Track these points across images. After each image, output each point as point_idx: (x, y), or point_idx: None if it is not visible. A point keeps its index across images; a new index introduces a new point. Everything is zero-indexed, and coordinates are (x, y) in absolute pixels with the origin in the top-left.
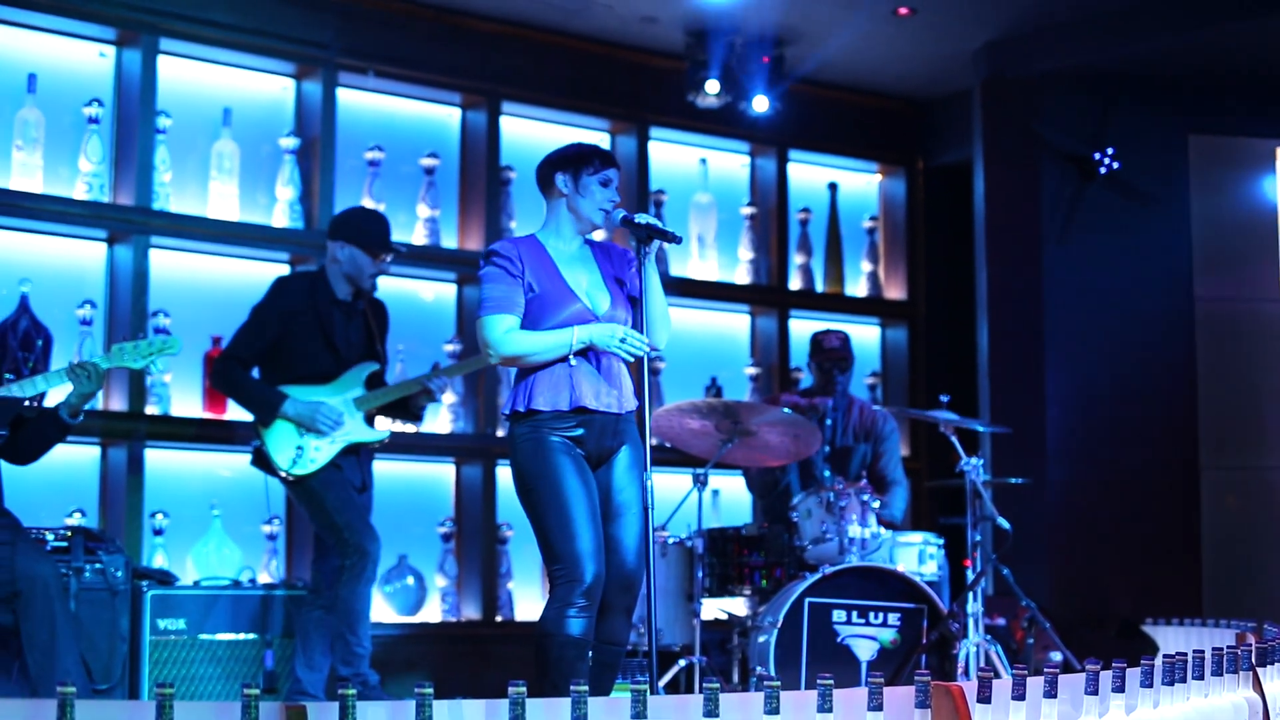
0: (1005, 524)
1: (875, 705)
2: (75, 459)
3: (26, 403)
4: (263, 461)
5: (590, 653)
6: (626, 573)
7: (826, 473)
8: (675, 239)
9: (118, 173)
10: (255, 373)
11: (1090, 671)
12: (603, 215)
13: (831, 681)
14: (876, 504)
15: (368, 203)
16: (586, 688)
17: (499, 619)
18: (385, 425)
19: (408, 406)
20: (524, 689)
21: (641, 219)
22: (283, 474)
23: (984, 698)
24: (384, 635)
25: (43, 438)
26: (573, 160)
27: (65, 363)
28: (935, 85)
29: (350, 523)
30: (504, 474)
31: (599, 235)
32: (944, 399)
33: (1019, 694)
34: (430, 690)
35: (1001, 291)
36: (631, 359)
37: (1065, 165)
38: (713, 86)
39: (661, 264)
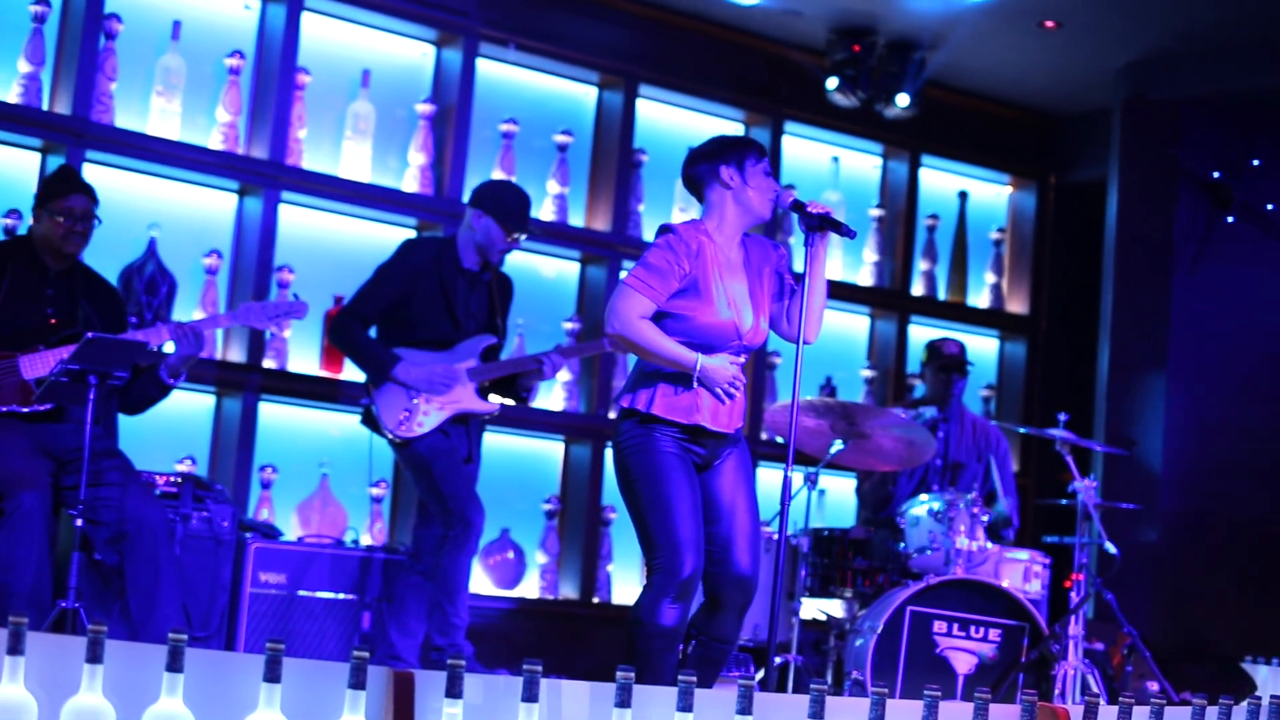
0: (1113, 548)
1: None
2: (189, 407)
3: (152, 348)
4: (371, 421)
5: (694, 645)
6: (740, 572)
7: (936, 485)
8: (850, 233)
9: (253, 126)
10: (373, 332)
11: (1196, 705)
12: (770, 205)
13: (939, 693)
14: (986, 517)
15: (498, 174)
16: (695, 677)
17: (595, 600)
18: (497, 399)
19: (517, 384)
20: (632, 675)
21: (814, 208)
22: (389, 435)
23: None
24: (480, 607)
25: (144, 394)
26: (737, 151)
27: (189, 311)
28: (1074, 101)
29: (456, 492)
30: (612, 456)
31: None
32: (1062, 418)
33: None
34: (539, 667)
35: (1126, 314)
36: (725, 402)
37: (1202, 193)
38: (831, 83)
39: (815, 262)
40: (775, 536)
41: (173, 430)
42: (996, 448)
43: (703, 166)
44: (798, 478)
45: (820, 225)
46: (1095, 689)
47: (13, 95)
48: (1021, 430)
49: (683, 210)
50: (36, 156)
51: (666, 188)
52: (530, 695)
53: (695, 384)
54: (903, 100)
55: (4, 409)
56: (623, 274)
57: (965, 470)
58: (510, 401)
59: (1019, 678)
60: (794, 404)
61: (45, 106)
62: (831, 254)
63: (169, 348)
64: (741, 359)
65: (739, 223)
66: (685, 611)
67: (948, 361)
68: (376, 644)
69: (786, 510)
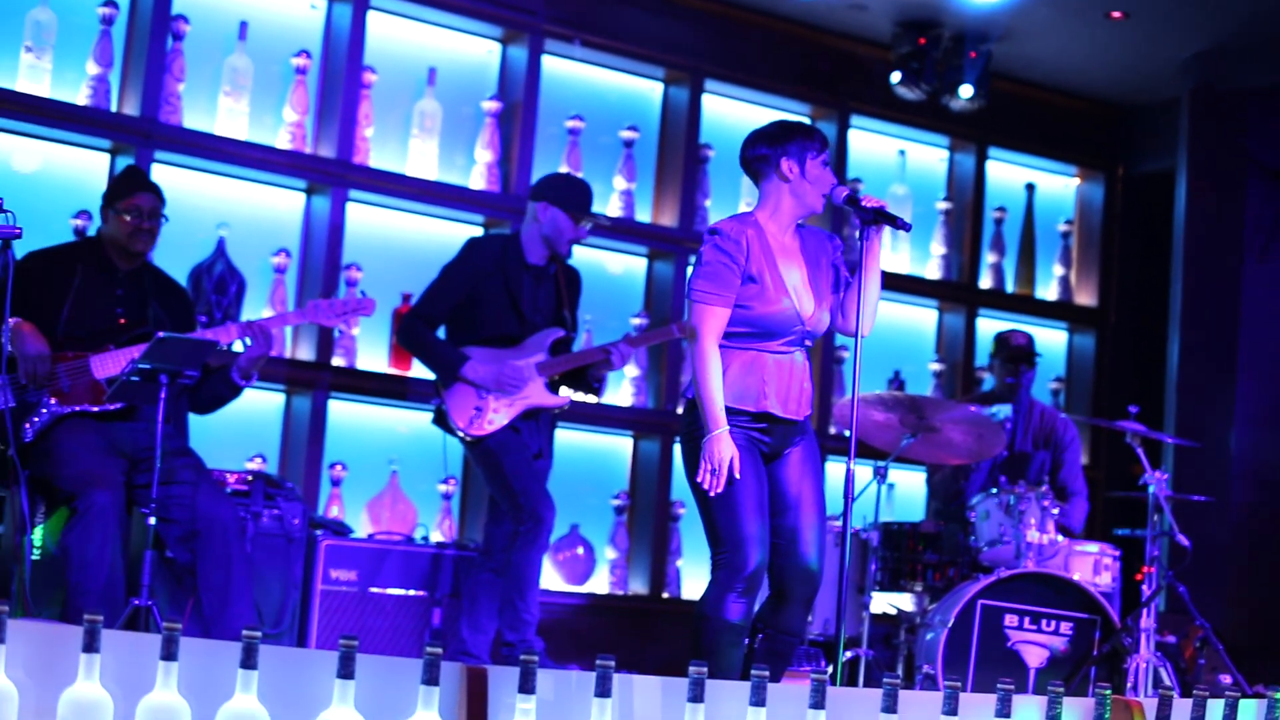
0: (1185, 541)
1: (1053, 714)
2: (259, 405)
3: (222, 346)
4: (442, 420)
5: (761, 639)
6: (806, 564)
7: (1003, 477)
8: (905, 226)
9: (320, 125)
10: (441, 332)
11: (1270, 698)
12: (823, 199)
13: (1012, 687)
14: (1056, 511)
15: (564, 170)
16: (768, 672)
17: (665, 595)
18: (567, 394)
19: (587, 377)
20: (704, 670)
21: (869, 202)
22: (461, 434)
23: (1164, 716)
24: (551, 603)
25: (215, 394)
26: (798, 143)
27: (258, 310)
28: (1142, 92)
29: (527, 488)
30: (680, 448)
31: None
32: (1133, 410)
33: (1198, 715)
34: (612, 663)
35: (1196, 305)
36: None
37: (1270, 182)
38: (895, 77)
39: (869, 255)
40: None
41: (243, 429)
42: (1065, 438)
43: (764, 151)
44: (867, 471)
45: (875, 219)
46: (1168, 682)
47: (82, 97)
48: (1092, 422)
49: (749, 205)
50: (106, 158)
51: (733, 182)
52: (603, 690)
53: (703, 445)
54: (965, 91)
55: (76, 408)
56: (689, 270)
57: (1031, 460)
58: (580, 395)
59: (1091, 671)
60: (854, 397)
61: (114, 108)
62: (898, 248)
63: (238, 347)
64: (808, 345)
65: (793, 214)
66: (751, 606)
67: (1015, 352)
68: (448, 640)
69: (850, 504)
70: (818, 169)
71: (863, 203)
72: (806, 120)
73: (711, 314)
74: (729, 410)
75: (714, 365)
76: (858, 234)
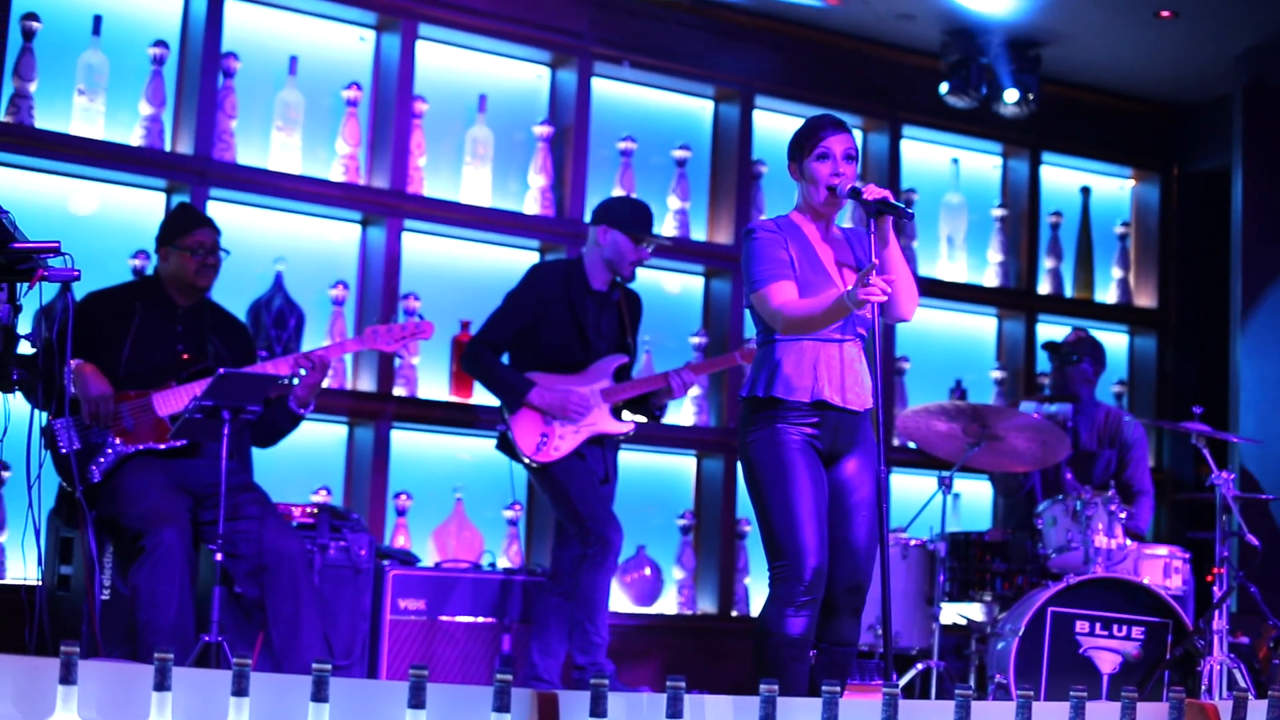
0: (1254, 540)
1: None
2: (322, 437)
3: (283, 381)
4: (507, 447)
5: (817, 653)
6: (855, 575)
7: (1069, 475)
8: (907, 214)
9: (373, 156)
10: (505, 358)
11: None
12: (827, 194)
13: (1085, 694)
14: (1124, 515)
15: (618, 192)
16: (838, 687)
17: (734, 614)
18: (630, 418)
19: (649, 403)
20: (775, 687)
21: (871, 193)
22: (527, 460)
23: (1239, 718)
24: (620, 625)
25: (275, 426)
26: (795, 146)
27: (318, 342)
28: (1194, 90)
29: (594, 512)
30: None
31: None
32: (1197, 410)
33: (1275, 716)
34: (683, 683)
35: (1257, 301)
36: (880, 299)
37: None
38: (943, 88)
39: (881, 244)
40: (912, 541)
41: (307, 462)
42: (1131, 438)
43: (787, 157)
44: (932, 483)
45: (878, 210)
46: (1242, 684)
47: (135, 138)
48: (1157, 425)
49: None
50: (161, 197)
51: (787, 197)
52: (675, 711)
53: (850, 302)
54: (1010, 96)
55: (141, 447)
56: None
57: (1097, 458)
58: (643, 419)
59: (1165, 675)
60: (876, 385)
61: (168, 147)
62: (955, 256)
63: (297, 379)
64: (862, 334)
65: (816, 211)
66: (813, 618)
67: (1060, 347)
68: (519, 666)
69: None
70: (811, 167)
71: (864, 194)
72: (859, 132)
73: (777, 288)
74: (783, 403)
75: (803, 301)
76: (864, 225)
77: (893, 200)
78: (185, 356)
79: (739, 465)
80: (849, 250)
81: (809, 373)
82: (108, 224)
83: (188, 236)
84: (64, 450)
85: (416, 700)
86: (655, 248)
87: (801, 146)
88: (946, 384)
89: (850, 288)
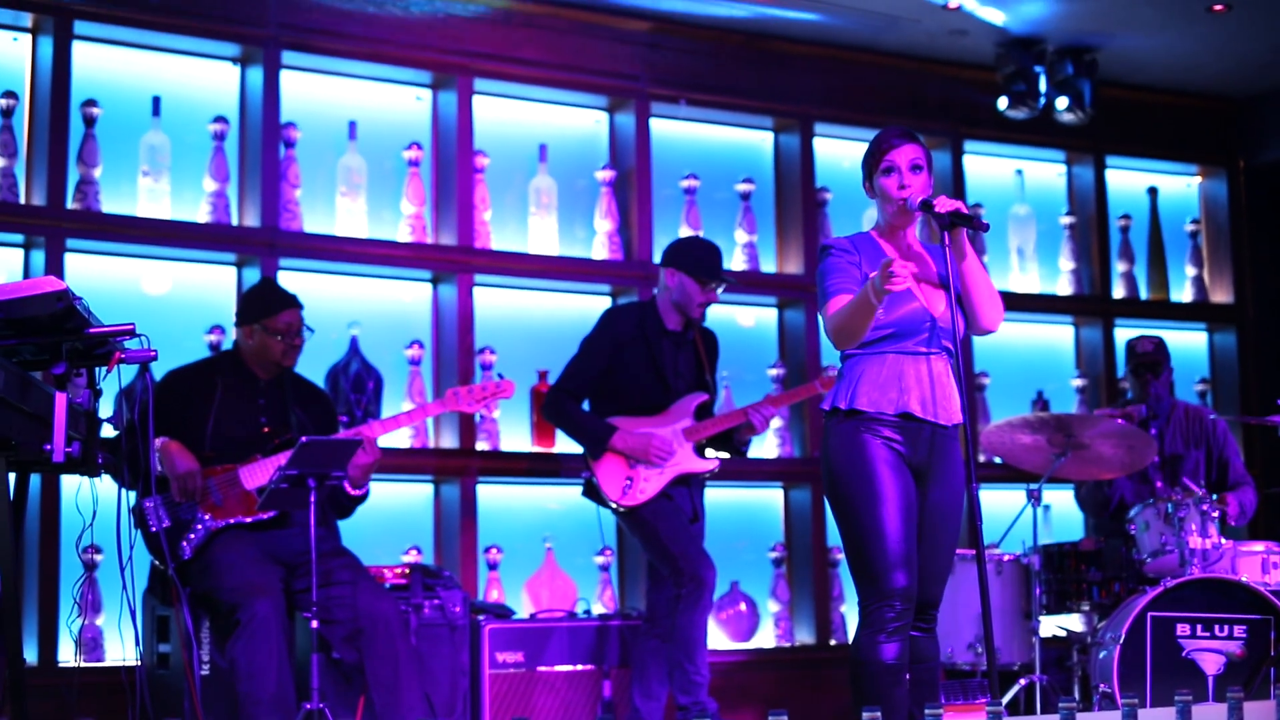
0: None
1: None
2: (409, 497)
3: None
4: (593, 493)
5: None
6: (927, 597)
7: (1159, 482)
8: (982, 226)
9: (439, 214)
10: (586, 405)
11: None
12: (896, 209)
13: (1190, 697)
14: (1216, 513)
15: (685, 230)
16: (940, 711)
17: (832, 643)
18: (714, 455)
19: (733, 438)
20: (878, 714)
21: (942, 205)
22: (614, 505)
23: None
24: (718, 662)
25: (338, 507)
26: (864, 160)
27: (397, 404)
28: (1253, 82)
29: (685, 551)
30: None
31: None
32: None
33: None
34: (785, 717)
35: None
36: (901, 288)
37: None
38: (1002, 103)
39: (958, 257)
40: (1005, 557)
41: (395, 523)
42: (1218, 433)
43: (862, 179)
44: (1020, 496)
45: (951, 223)
46: None
47: (202, 214)
48: (1242, 420)
49: None
50: (232, 271)
51: (854, 222)
52: None
53: (874, 294)
54: (1061, 103)
55: (230, 520)
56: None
57: (1184, 460)
58: (728, 455)
59: (1270, 672)
60: (962, 389)
61: (235, 221)
62: (1026, 268)
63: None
64: (948, 348)
65: (891, 226)
66: (905, 641)
67: (1141, 361)
68: (621, 711)
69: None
70: (882, 181)
71: (936, 207)
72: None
73: (835, 301)
74: (869, 417)
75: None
76: (935, 239)
77: (965, 211)
78: (267, 429)
79: (824, 488)
80: (928, 264)
81: (894, 384)
82: (181, 302)
83: (274, 319)
84: (154, 529)
85: None
86: (725, 288)
87: (869, 163)
88: (1028, 396)
89: (874, 275)
